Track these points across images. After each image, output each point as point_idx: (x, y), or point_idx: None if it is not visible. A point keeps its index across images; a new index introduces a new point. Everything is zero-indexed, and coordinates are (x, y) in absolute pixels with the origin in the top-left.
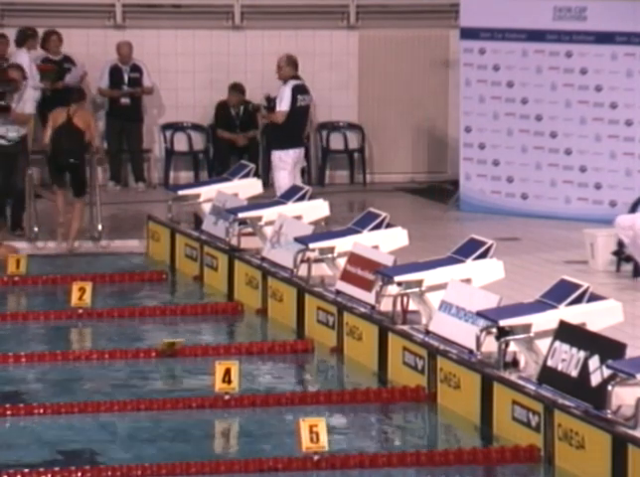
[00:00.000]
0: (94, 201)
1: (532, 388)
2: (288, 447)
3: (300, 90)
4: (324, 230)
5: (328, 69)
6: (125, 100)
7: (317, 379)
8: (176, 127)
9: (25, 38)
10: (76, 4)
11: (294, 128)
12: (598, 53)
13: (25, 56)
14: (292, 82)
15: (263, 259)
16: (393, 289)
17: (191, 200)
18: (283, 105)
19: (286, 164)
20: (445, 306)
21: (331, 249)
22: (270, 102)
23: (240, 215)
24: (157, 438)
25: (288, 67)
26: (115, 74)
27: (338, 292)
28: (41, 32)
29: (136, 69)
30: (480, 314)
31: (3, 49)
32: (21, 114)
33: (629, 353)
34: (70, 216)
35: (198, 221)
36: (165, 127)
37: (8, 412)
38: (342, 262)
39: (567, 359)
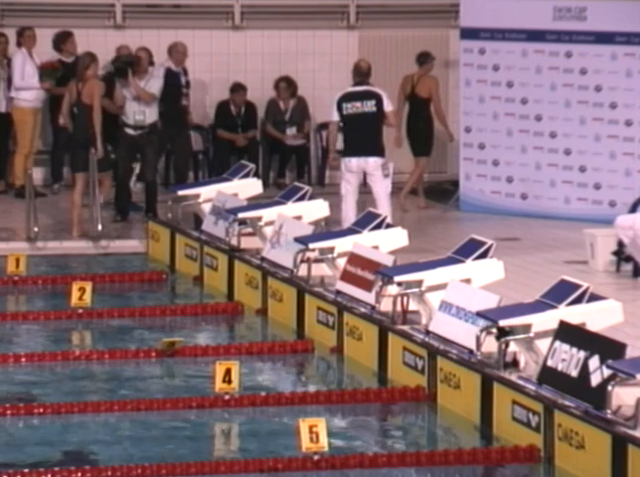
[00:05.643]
0: (94, 201)
1: (532, 388)
2: (288, 447)
3: (347, 98)
4: (324, 230)
5: (328, 68)
6: None
7: (317, 379)
8: None
9: (22, 37)
10: (76, 4)
11: (347, 137)
12: (598, 53)
13: (20, 55)
14: (342, 91)
15: (263, 259)
16: (393, 289)
17: (191, 200)
18: (332, 116)
19: (344, 173)
20: (445, 306)
21: (331, 249)
22: None
23: (240, 215)
24: (157, 438)
25: (352, 73)
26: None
27: (338, 292)
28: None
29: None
30: (480, 314)
31: (3, 48)
32: (145, 91)
33: (629, 353)
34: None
35: (198, 221)
36: None
37: (8, 412)
38: (342, 262)
39: (567, 359)
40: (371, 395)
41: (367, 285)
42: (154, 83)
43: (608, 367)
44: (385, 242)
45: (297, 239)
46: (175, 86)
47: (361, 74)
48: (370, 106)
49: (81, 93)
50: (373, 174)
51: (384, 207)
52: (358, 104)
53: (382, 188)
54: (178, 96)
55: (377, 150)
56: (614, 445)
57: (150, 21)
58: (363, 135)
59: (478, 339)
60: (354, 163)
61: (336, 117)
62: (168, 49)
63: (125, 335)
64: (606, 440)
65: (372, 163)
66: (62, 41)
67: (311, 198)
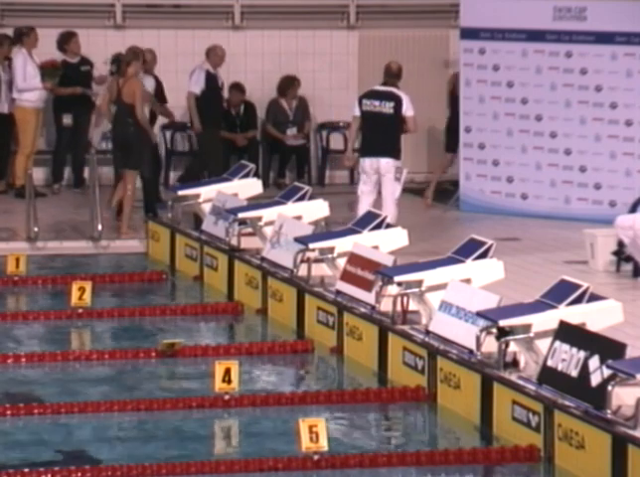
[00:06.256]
0: (94, 201)
1: (532, 388)
2: (288, 447)
3: (369, 95)
4: (324, 230)
5: (328, 68)
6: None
7: (317, 379)
8: (176, 127)
9: (20, 37)
10: (76, 4)
11: (364, 135)
12: (598, 53)
13: (20, 56)
14: (367, 89)
15: (263, 259)
16: (393, 289)
17: (191, 200)
18: (354, 111)
19: (361, 173)
20: (445, 306)
21: (331, 249)
22: None
23: (240, 215)
24: (157, 438)
25: (383, 73)
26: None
27: (338, 292)
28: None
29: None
30: (480, 314)
31: (7, 49)
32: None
33: (629, 353)
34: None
35: (198, 221)
36: (165, 127)
37: (8, 412)
38: (342, 262)
39: (567, 359)
40: (371, 395)
41: (367, 285)
42: (150, 83)
43: (608, 367)
44: (385, 242)
45: (297, 239)
46: (216, 89)
47: (390, 74)
48: (388, 108)
49: (122, 92)
50: (384, 175)
51: (389, 210)
52: (376, 103)
53: (390, 191)
54: (220, 99)
55: (390, 152)
56: (614, 445)
57: (150, 21)
58: (378, 135)
59: (478, 339)
60: (367, 163)
61: (358, 112)
62: (206, 51)
63: (125, 335)
64: (606, 440)
65: (384, 164)
66: (65, 41)
67: (311, 198)
